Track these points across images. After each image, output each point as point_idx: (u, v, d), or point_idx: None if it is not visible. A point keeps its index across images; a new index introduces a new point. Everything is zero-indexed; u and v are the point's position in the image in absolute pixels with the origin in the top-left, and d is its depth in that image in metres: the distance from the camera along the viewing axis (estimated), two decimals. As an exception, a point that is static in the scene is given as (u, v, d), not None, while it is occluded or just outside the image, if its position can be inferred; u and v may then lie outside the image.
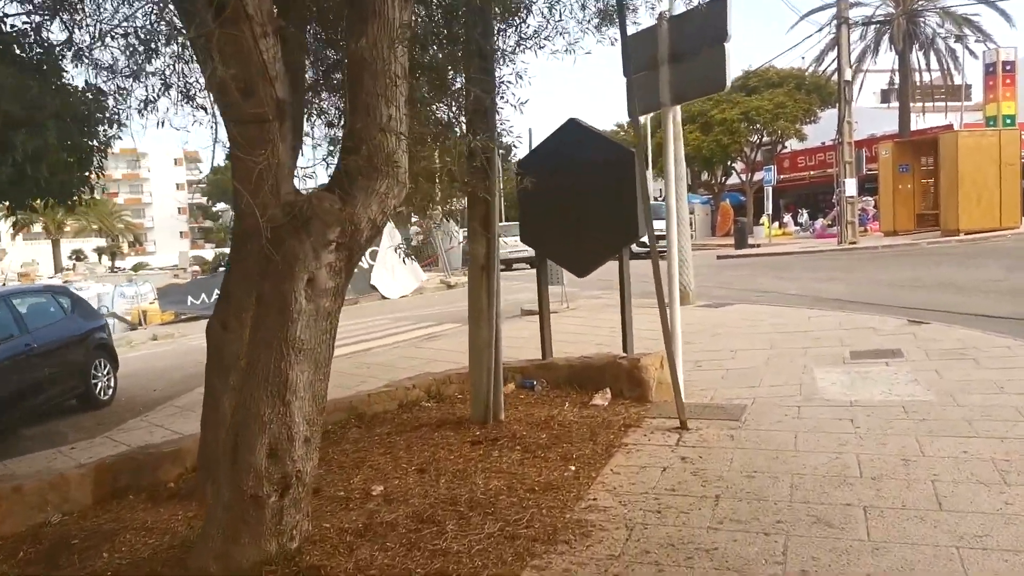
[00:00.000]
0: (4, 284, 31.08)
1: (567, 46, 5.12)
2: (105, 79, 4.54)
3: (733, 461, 4.74)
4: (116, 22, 4.14)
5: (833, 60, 32.30)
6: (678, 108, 11.45)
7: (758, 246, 30.86)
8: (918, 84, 37.84)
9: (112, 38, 4.04)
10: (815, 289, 13.79)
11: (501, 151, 5.80)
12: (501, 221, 7.00)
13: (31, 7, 5.19)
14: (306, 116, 4.69)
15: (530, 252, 28.28)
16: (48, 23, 5.32)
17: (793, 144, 40.56)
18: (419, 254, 27.29)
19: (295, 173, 4.10)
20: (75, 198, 7.09)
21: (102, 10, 4.45)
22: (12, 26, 5.61)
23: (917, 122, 37.55)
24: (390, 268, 19.90)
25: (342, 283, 3.71)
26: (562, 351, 9.33)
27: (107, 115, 6.26)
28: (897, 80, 38.13)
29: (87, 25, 4.47)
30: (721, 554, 3.50)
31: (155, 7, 4.10)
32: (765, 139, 40.01)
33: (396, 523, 4.03)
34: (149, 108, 4.13)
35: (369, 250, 19.77)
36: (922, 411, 5.54)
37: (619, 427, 5.58)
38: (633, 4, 5.74)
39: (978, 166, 23.89)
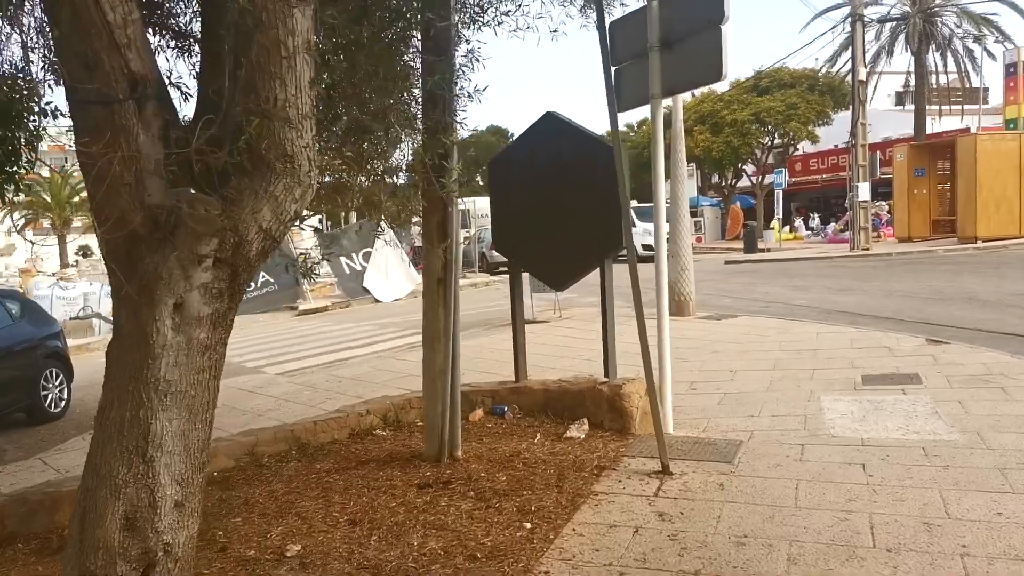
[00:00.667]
0: (6, 281, 30.52)
1: (526, 26, 4.34)
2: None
3: (720, 520, 3.97)
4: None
5: (847, 61, 31.44)
6: (679, 103, 10.70)
7: (768, 250, 29.99)
8: (934, 86, 36.89)
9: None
10: (825, 300, 12.98)
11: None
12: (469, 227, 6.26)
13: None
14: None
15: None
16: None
17: (805, 146, 39.66)
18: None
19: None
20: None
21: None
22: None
23: (932, 125, 36.58)
24: (384, 270, 19.17)
25: (224, 308, 2.96)
26: (549, 366, 8.60)
27: (39, 105, 5.56)
28: (912, 82, 37.20)
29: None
30: (694, 664, 2.74)
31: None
32: (777, 141, 39.11)
33: (300, 602, 3.28)
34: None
35: (363, 251, 19.08)
36: (945, 455, 4.76)
37: (592, 469, 4.81)
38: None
39: (997, 171, 22.98)
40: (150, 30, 3.65)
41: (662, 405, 5.80)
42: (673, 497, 4.32)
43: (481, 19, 4.28)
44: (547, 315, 12.24)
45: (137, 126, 2.76)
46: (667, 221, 26.61)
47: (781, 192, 31.91)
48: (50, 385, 9.21)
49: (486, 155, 59.10)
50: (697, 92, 42.80)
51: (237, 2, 2.70)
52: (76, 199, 54.53)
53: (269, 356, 11.97)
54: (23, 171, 6.41)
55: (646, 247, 28.71)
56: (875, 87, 37.87)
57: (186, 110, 3.26)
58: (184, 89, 3.36)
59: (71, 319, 18.39)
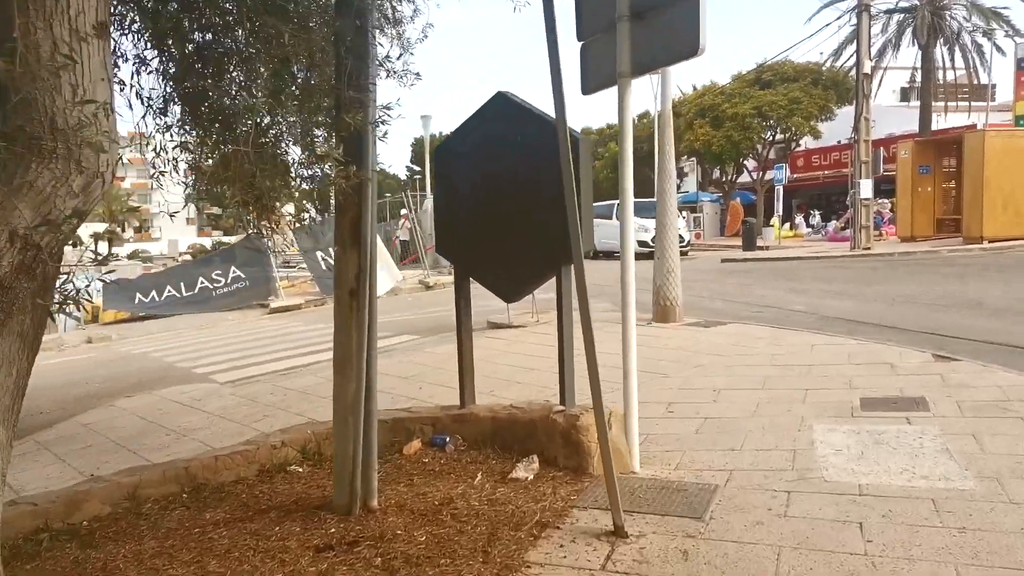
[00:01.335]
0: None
1: None
2: None
3: (678, 609, 3.13)
4: None
5: (852, 55, 30.52)
6: (668, 87, 9.84)
7: (767, 248, 29.17)
8: (941, 82, 35.95)
9: None
10: (823, 305, 12.11)
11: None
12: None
13: None
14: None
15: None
16: None
17: (808, 142, 38.79)
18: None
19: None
20: None
21: None
22: None
23: (938, 122, 35.69)
24: (362, 267, 18.23)
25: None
26: (516, 380, 7.77)
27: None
28: (918, 78, 36.27)
29: None
30: None
31: None
32: (779, 136, 38.24)
33: None
34: None
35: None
36: (960, 511, 3.91)
37: (532, 526, 3.96)
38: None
39: (1006, 169, 22.08)
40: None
41: (627, 438, 4.98)
42: (623, 572, 3.47)
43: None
44: (525, 319, 11.39)
45: None
46: (651, 218, 25.69)
47: (781, 188, 31.04)
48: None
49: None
50: (698, 85, 42.00)
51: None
52: None
53: (224, 361, 11.14)
54: None
55: (642, 243, 27.97)
56: (880, 82, 36.96)
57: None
58: None
59: (34, 315, 17.55)
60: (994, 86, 39.82)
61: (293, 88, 3.81)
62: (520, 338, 10.08)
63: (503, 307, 11.32)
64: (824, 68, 36.44)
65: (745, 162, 40.27)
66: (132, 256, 65.23)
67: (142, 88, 3.57)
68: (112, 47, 2.70)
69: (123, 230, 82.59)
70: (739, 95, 36.29)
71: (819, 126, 36.27)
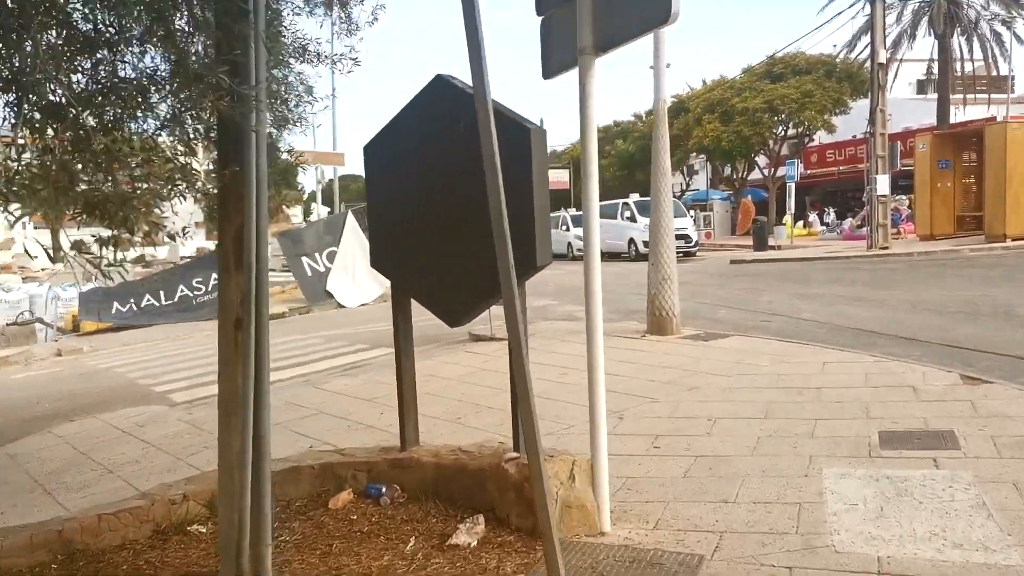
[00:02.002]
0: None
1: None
2: None
3: None
4: None
5: (866, 46, 29.43)
6: (663, 74, 8.94)
7: (779, 248, 28.21)
8: (958, 73, 34.78)
9: None
10: (837, 313, 11.17)
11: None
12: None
13: None
14: None
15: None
16: None
17: (821, 136, 37.71)
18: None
19: None
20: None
21: None
22: None
23: (956, 115, 34.52)
24: (350, 271, 17.42)
25: None
26: (488, 405, 6.91)
27: None
28: (935, 69, 35.12)
29: None
30: None
31: None
32: (791, 131, 37.19)
33: None
34: None
35: (327, 250, 17.42)
36: (1009, 604, 3.04)
37: (459, 623, 3.12)
38: None
39: (1030, 163, 21.05)
40: None
41: (595, 492, 4.13)
42: None
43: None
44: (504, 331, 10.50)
45: None
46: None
47: (794, 185, 30.02)
48: None
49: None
50: (707, 79, 40.99)
51: None
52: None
53: (188, 377, 10.33)
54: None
55: (647, 244, 27.06)
56: (895, 75, 35.77)
57: None
58: None
59: (8, 325, 16.83)
60: (1013, 77, 38.71)
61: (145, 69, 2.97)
62: (501, 353, 9.17)
63: (488, 316, 10.46)
64: (838, 60, 35.33)
65: (756, 158, 39.23)
66: (137, 260, 64.76)
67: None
68: None
69: (132, 234, 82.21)
70: (749, 89, 35.26)
71: (833, 120, 35.19)
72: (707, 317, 11.41)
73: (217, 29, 3.09)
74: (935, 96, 34.64)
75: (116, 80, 3.04)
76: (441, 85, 4.18)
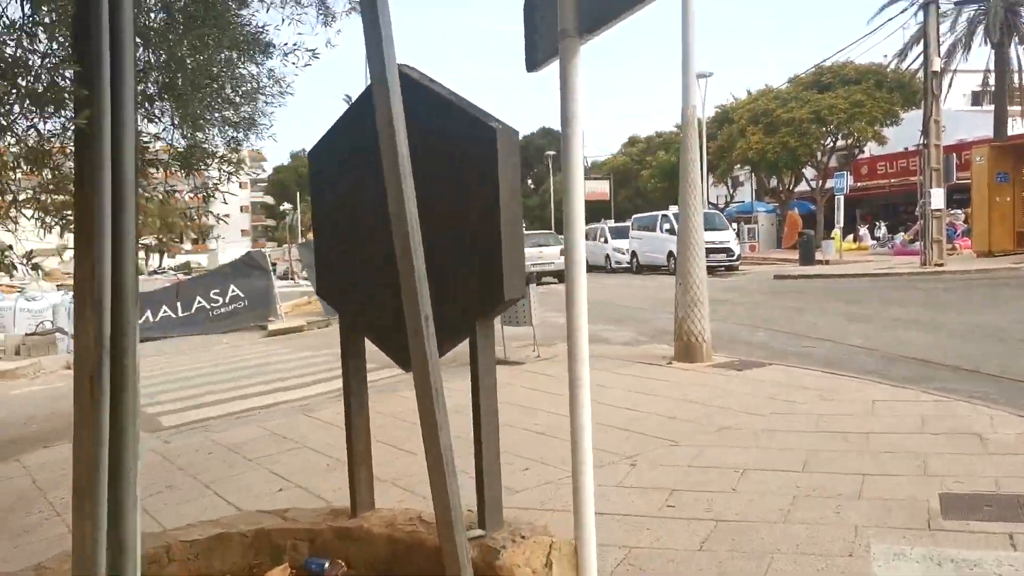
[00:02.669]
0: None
1: None
2: None
3: None
4: None
5: (919, 55, 28.19)
6: (692, 75, 8.08)
7: (826, 263, 26.99)
8: (1017, 84, 33.23)
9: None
10: (889, 339, 10.14)
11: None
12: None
13: None
14: None
15: (559, 264, 25.06)
16: None
17: (872, 148, 36.30)
18: None
19: None
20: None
21: None
22: None
23: (1013, 127, 32.99)
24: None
25: None
26: (463, 444, 6.08)
27: None
28: (991, 80, 33.60)
29: None
30: None
31: None
32: (840, 143, 35.86)
33: None
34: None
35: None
36: None
37: None
38: None
39: (1097, 176, 19.70)
40: None
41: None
42: None
43: None
44: (524, 353, 9.69)
45: None
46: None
47: (842, 198, 28.73)
48: None
49: (538, 158, 56.42)
50: (751, 89, 39.82)
51: None
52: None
53: (184, 398, 9.70)
54: None
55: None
56: (949, 86, 34.31)
57: None
58: None
59: (27, 335, 16.42)
60: (1077, 88, 36.84)
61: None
62: (512, 379, 8.40)
63: (501, 337, 9.68)
64: (889, 69, 33.98)
65: (803, 170, 37.95)
66: (181, 267, 65.35)
67: None
68: None
69: (181, 241, 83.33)
70: (796, 99, 34.04)
71: (884, 131, 33.80)
72: (743, 341, 10.48)
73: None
74: (991, 108, 33.18)
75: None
76: (400, 77, 3.41)
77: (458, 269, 3.29)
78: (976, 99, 43.44)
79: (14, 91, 2.26)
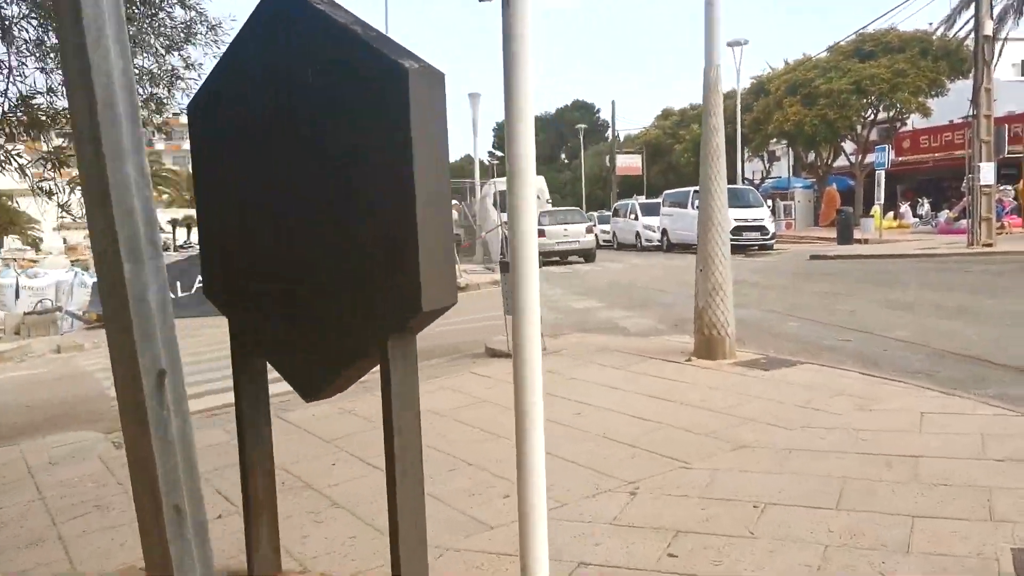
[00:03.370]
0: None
1: None
2: None
3: None
4: None
5: (968, 20, 26.58)
6: (716, 28, 7.07)
7: (865, 242, 25.71)
8: (1073, 51, 31.40)
9: None
10: (936, 331, 9.10)
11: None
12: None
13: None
14: None
15: (585, 243, 24.00)
16: None
17: (915, 121, 34.68)
18: None
19: None
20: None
21: None
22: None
23: (1067, 98, 31.18)
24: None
25: None
26: (463, 459, 5.22)
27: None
28: (1047, 46, 31.79)
29: None
30: None
31: None
32: (881, 115, 34.29)
33: None
34: None
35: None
36: None
37: None
38: None
39: None
40: None
41: None
42: None
43: None
44: (530, 345, 8.80)
45: None
46: (738, 207, 22.70)
47: (884, 173, 27.32)
48: None
49: (572, 132, 55.38)
50: (789, 59, 38.28)
51: None
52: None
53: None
54: None
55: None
56: (999, 54, 32.57)
57: None
58: None
59: (26, 314, 15.91)
60: None
61: None
62: (511, 377, 7.53)
63: (505, 327, 8.81)
64: (935, 37, 32.28)
65: (842, 144, 36.41)
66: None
67: None
68: None
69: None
70: (835, 68, 32.51)
71: (928, 103, 32.18)
72: (772, 332, 9.50)
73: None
74: (1044, 77, 31.41)
75: None
76: (284, 4, 2.52)
77: (362, 266, 2.42)
78: (1026, 69, 41.46)
79: None
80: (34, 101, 3.18)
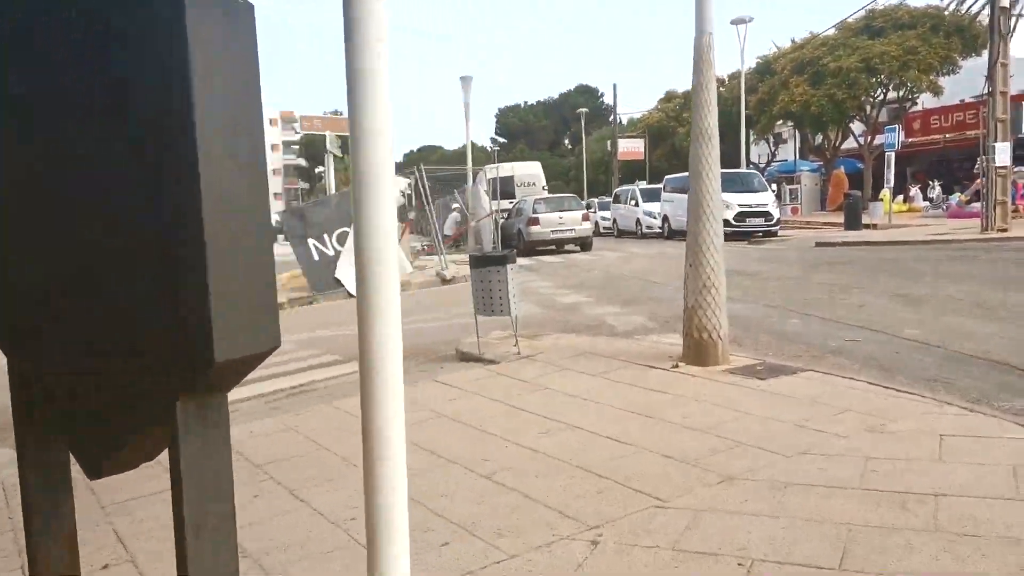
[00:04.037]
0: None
1: None
2: None
3: None
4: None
5: (981, -5, 25.58)
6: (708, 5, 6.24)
7: (874, 227, 24.85)
8: (1090, 27, 30.25)
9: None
10: (951, 328, 8.28)
11: None
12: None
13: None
14: None
15: (581, 231, 23.17)
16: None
17: (926, 101, 33.67)
18: None
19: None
20: None
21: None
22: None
23: (1084, 74, 30.05)
24: (364, 256, 15.18)
25: None
26: (428, 491, 4.46)
27: None
28: (1063, 22, 30.64)
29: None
30: None
31: None
32: (891, 94, 33.28)
33: None
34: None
35: (338, 230, 15.29)
36: None
37: None
38: None
39: None
40: None
41: None
42: None
43: None
44: (505, 348, 8.01)
45: None
46: (741, 192, 21.83)
47: (893, 155, 26.37)
48: None
49: (575, 117, 54.40)
50: (796, 38, 37.24)
51: None
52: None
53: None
54: None
55: (729, 221, 23.53)
56: (1013, 29, 31.50)
57: None
58: None
59: None
60: None
61: None
62: (476, 387, 6.74)
63: (475, 327, 8.06)
64: (946, 12, 31.21)
65: (851, 125, 35.40)
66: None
67: None
68: None
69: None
70: (843, 46, 31.50)
71: (940, 81, 31.16)
72: (772, 331, 8.70)
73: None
74: (1062, 53, 30.30)
75: None
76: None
77: (140, 299, 1.66)
78: (1040, 46, 40.25)
79: None
80: None
